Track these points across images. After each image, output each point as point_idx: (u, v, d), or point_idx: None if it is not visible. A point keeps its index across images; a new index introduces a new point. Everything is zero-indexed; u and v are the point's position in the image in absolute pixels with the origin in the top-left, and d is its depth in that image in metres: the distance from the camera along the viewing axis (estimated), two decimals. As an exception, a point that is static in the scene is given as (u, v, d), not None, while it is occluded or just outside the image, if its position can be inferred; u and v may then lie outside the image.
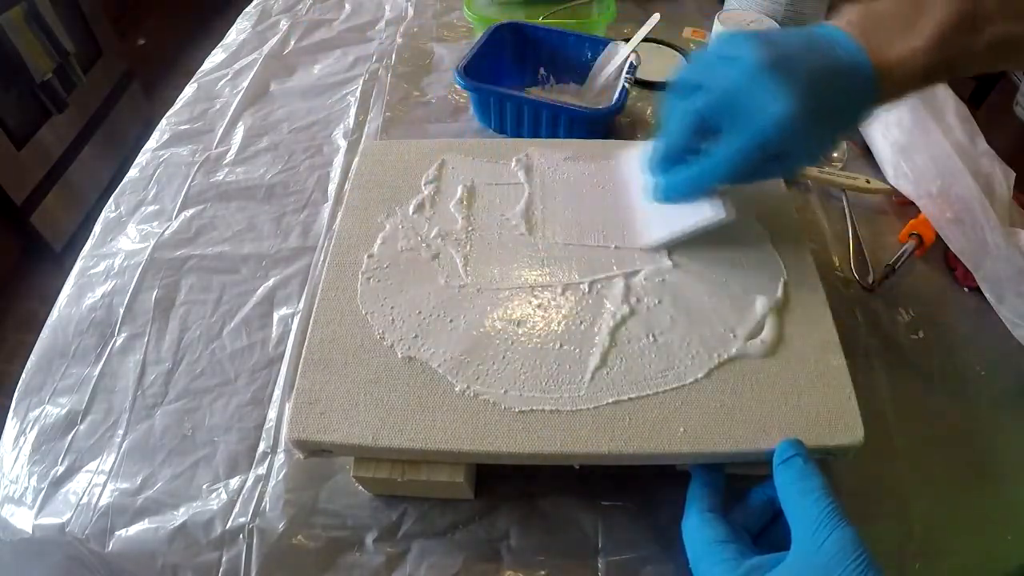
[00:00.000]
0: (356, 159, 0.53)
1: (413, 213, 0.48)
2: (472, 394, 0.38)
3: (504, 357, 0.40)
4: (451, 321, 0.42)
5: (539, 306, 0.42)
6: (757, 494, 0.37)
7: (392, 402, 0.38)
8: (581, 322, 0.41)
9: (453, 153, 0.52)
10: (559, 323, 0.41)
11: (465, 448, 0.36)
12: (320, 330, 0.41)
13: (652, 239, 0.45)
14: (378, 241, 0.46)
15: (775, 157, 0.38)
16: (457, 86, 0.67)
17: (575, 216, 0.48)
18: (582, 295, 0.43)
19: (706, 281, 0.44)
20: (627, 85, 0.62)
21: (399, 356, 0.40)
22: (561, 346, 0.40)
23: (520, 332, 0.41)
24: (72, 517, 0.42)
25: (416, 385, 0.39)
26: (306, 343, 0.41)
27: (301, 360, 0.40)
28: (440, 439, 0.37)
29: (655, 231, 0.45)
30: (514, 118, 0.65)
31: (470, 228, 0.47)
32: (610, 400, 0.38)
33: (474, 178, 0.50)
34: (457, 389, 0.38)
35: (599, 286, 0.43)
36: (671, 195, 0.43)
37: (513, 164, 0.51)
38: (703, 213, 0.42)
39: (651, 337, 0.41)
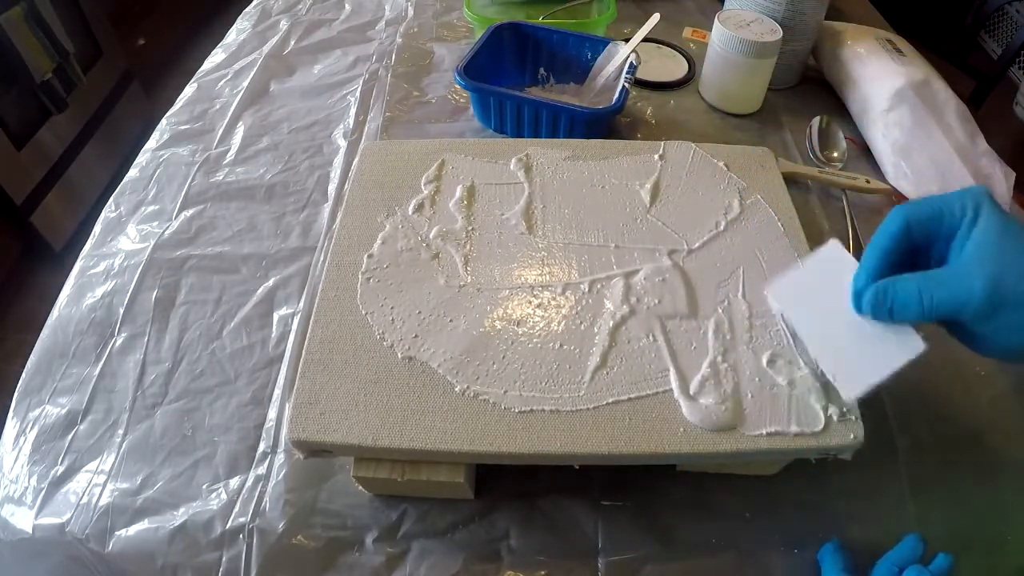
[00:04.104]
0: (356, 159, 0.53)
1: (413, 213, 0.48)
2: (472, 394, 0.38)
3: (504, 357, 0.40)
4: (451, 321, 0.42)
5: (539, 306, 0.42)
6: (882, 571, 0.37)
7: (392, 402, 0.38)
8: (581, 322, 0.41)
9: (453, 153, 0.52)
10: (559, 323, 0.41)
11: (465, 448, 0.36)
12: (320, 330, 0.41)
13: (855, 390, 0.36)
14: (378, 241, 0.46)
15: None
16: (457, 86, 0.67)
17: (575, 216, 0.48)
18: (582, 295, 0.43)
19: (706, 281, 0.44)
20: (627, 85, 0.62)
21: (399, 356, 0.40)
22: (561, 346, 0.40)
23: (520, 332, 0.41)
24: (72, 517, 0.42)
25: (416, 385, 0.39)
26: (306, 343, 0.41)
27: (301, 360, 0.40)
28: (440, 439, 0.37)
29: (854, 381, 0.36)
30: (514, 118, 0.65)
31: (470, 228, 0.47)
32: (610, 400, 0.38)
33: (474, 178, 0.50)
34: (457, 389, 0.38)
35: (599, 286, 0.43)
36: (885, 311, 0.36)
37: (513, 164, 0.51)
38: (901, 350, 0.36)
39: (651, 337, 0.41)
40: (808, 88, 0.76)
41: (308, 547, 0.40)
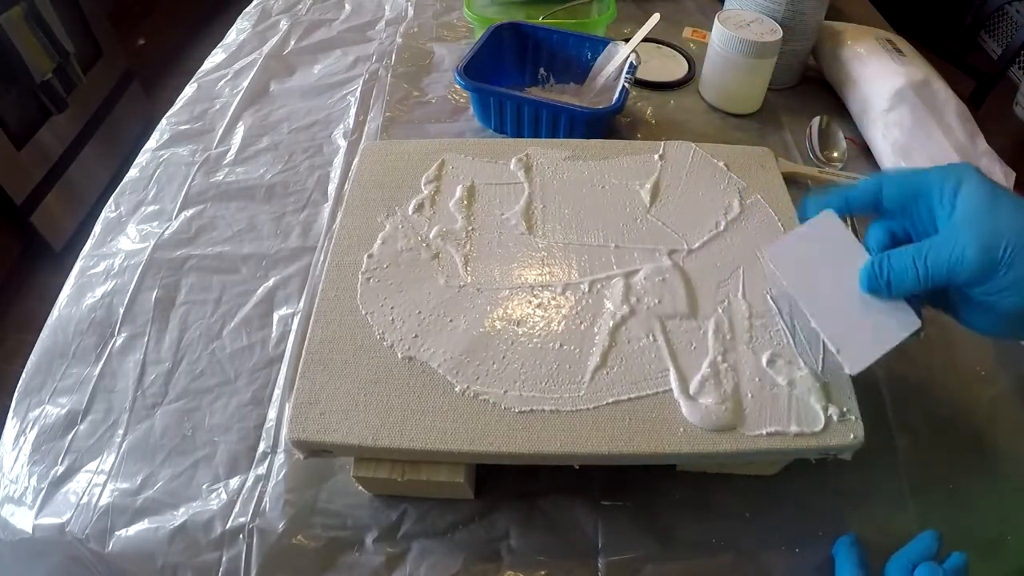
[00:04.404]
0: (356, 159, 0.53)
1: (413, 213, 0.48)
2: (472, 394, 0.38)
3: (504, 357, 0.40)
4: (451, 321, 0.42)
5: (539, 306, 0.42)
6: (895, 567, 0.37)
7: (392, 402, 0.38)
8: (581, 322, 0.41)
9: (453, 153, 0.52)
10: (559, 323, 0.41)
11: (465, 448, 0.36)
12: (320, 330, 0.41)
13: (859, 365, 0.37)
14: (378, 241, 0.46)
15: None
16: (457, 86, 0.67)
17: (575, 215, 0.48)
18: (582, 295, 0.43)
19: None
20: (627, 85, 0.62)
21: (399, 356, 0.40)
22: (561, 346, 0.40)
23: (520, 332, 0.41)
24: (72, 517, 0.42)
25: (416, 385, 0.39)
26: (306, 343, 0.41)
27: (301, 360, 0.40)
28: (440, 439, 0.37)
29: (857, 355, 0.37)
30: (514, 118, 0.65)
31: (470, 228, 0.47)
32: (610, 400, 0.38)
33: (474, 178, 0.50)
34: (457, 389, 0.38)
35: (599, 286, 0.43)
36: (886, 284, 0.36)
37: (513, 164, 0.51)
38: (898, 327, 0.37)
39: (651, 337, 0.41)
40: (808, 88, 0.76)
41: (308, 547, 0.40)
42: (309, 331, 0.41)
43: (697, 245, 0.46)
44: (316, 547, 0.40)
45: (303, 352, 0.40)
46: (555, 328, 0.41)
